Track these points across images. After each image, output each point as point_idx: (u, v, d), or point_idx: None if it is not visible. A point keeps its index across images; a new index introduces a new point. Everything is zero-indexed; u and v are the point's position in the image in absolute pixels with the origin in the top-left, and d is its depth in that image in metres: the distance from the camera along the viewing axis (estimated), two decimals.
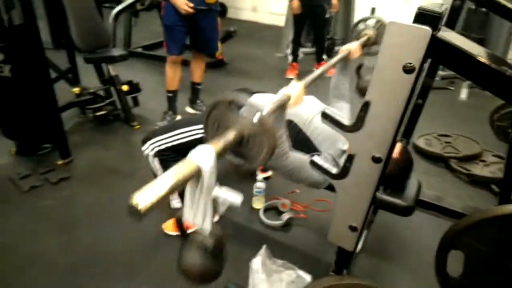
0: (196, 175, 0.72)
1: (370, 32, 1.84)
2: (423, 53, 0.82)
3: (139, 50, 4.61)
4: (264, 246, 1.57)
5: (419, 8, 0.81)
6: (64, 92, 2.75)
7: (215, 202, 0.84)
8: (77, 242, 1.90)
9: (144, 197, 0.60)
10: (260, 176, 2.43)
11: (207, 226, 0.79)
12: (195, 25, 2.72)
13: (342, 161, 1.61)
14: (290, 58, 4.48)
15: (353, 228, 1.12)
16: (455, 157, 2.69)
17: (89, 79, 3.20)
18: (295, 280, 1.49)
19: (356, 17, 4.98)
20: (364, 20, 1.89)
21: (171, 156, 1.81)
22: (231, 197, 0.84)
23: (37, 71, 2.17)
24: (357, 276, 1.26)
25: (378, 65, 0.88)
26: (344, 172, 1.05)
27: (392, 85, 0.88)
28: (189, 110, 3.30)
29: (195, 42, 2.88)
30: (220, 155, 0.75)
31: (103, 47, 2.87)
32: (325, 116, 1.01)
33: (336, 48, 4.82)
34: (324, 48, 4.43)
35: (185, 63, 3.05)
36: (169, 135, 1.81)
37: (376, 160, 0.98)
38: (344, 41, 4.99)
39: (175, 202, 1.96)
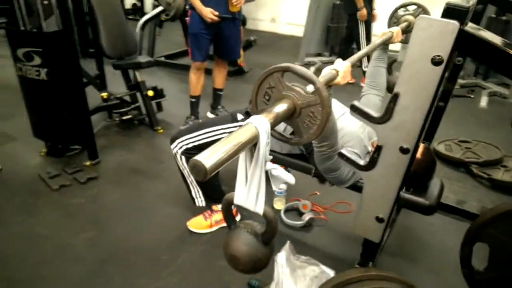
0: (253, 142, 0.69)
1: (410, 18, 1.83)
2: (451, 45, 0.86)
3: (162, 59, 4.76)
4: (288, 242, 1.61)
5: (447, 4, 0.86)
6: (92, 97, 2.86)
7: (268, 177, 0.82)
8: (104, 237, 1.97)
9: (209, 157, 0.59)
10: None
11: (261, 206, 0.77)
12: (219, 33, 2.82)
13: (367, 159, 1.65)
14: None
15: (379, 220, 1.15)
16: (476, 163, 2.68)
17: (115, 85, 3.33)
18: (319, 275, 1.52)
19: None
20: (404, 6, 1.88)
21: (198, 154, 1.88)
22: (285, 174, 0.84)
23: (71, 76, 2.28)
24: (384, 269, 1.29)
25: (407, 58, 0.93)
26: (372, 164, 1.09)
27: (421, 77, 0.92)
28: (210, 115, 3.38)
29: (218, 49, 2.97)
30: (273, 126, 0.72)
31: (131, 54, 2.99)
32: (354, 108, 1.05)
33: None
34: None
35: (208, 72, 3.14)
36: (196, 134, 1.88)
37: (404, 151, 1.02)
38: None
39: (200, 201, 2.02)
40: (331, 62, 4.72)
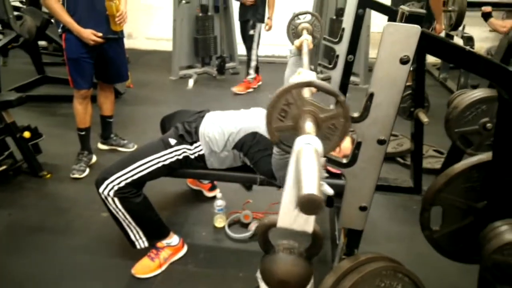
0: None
1: (307, 25, 1.98)
2: (415, 46, 1.01)
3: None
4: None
5: (408, 11, 1.00)
6: None
7: None
8: None
9: (310, 185, 0.58)
10: (209, 194, 2.43)
11: (311, 224, 0.77)
12: (103, 55, 2.55)
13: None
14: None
15: (363, 208, 1.26)
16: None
17: None
18: None
19: (237, 36, 5.29)
20: (298, 15, 2.03)
21: (133, 192, 1.70)
22: (327, 187, 0.85)
23: None
24: (367, 251, 1.40)
25: (378, 60, 1.04)
26: (353, 160, 1.18)
27: (391, 76, 1.05)
28: (102, 147, 3.03)
29: (103, 73, 2.68)
30: None
31: None
32: None
33: (227, 65, 5.04)
34: (248, 64, 4.52)
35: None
36: (128, 170, 1.69)
37: (381, 142, 1.14)
38: (232, 58, 5.25)
39: (141, 242, 1.81)
40: (206, 73, 4.88)
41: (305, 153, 0.66)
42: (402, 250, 2.03)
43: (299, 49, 1.84)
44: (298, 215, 0.76)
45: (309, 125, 0.77)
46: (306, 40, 1.78)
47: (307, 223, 0.77)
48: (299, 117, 0.80)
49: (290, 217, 0.76)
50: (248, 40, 4.37)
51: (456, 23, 3.36)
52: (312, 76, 1.20)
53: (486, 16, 3.29)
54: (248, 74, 4.47)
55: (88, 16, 2.37)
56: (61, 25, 2.40)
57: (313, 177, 0.60)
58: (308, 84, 0.80)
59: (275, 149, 1.48)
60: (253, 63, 4.42)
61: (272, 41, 5.68)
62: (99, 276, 1.82)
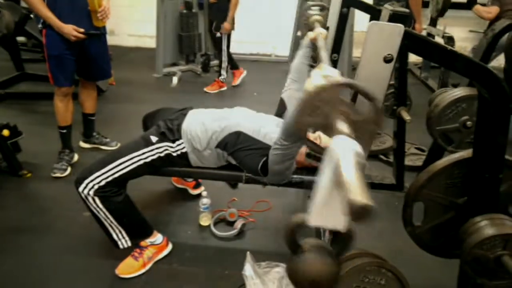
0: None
1: (319, 17, 1.92)
2: (398, 45, 1.02)
3: None
4: (248, 253, 1.60)
5: (392, 10, 1.01)
6: None
7: None
8: None
9: (360, 193, 0.56)
10: (194, 192, 2.42)
11: (344, 222, 0.74)
12: (85, 52, 2.49)
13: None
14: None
15: None
16: None
17: None
18: (285, 275, 1.56)
19: None
20: (309, 6, 1.98)
21: (114, 191, 1.67)
22: None
23: None
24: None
25: (363, 59, 1.05)
26: None
27: (376, 74, 1.06)
28: (84, 145, 2.97)
29: (85, 70, 2.63)
30: None
31: None
32: None
33: (212, 62, 5.00)
34: (220, 65, 4.54)
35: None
36: (108, 169, 1.66)
37: None
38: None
39: (124, 242, 1.79)
40: (191, 71, 4.86)
41: (348, 157, 0.64)
42: (385, 246, 2.06)
43: (313, 42, 1.80)
44: (331, 213, 0.75)
45: (345, 127, 0.75)
46: (320, 34, 1.69)
47: (339, 222, 0.76)
48: (330, 115, 0.78)
49: (322, 215, 0.76)
50: (217, 42, 4.41)
51: (442, 8, 3.41)
52: (337, 74, 1.18)
53: (471, 3, 3.35)
54: (220, 74, 4.52)
55: (69, 11, 2.32)
56: (41, 21, 2.33)
57: (363, 186, 0.58)
58: (350, 86, 0.79)
59: (279, 142, 1.43)
60: (224, 64, 4.48)
61: (256, 39, 5.69)
62: (82, 277, 1.79)
